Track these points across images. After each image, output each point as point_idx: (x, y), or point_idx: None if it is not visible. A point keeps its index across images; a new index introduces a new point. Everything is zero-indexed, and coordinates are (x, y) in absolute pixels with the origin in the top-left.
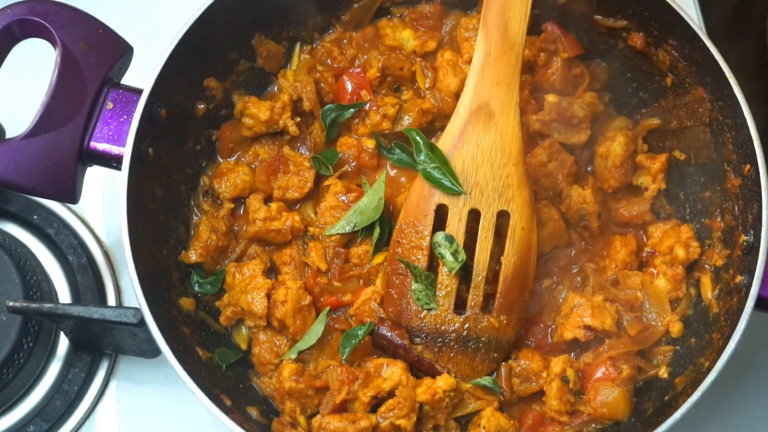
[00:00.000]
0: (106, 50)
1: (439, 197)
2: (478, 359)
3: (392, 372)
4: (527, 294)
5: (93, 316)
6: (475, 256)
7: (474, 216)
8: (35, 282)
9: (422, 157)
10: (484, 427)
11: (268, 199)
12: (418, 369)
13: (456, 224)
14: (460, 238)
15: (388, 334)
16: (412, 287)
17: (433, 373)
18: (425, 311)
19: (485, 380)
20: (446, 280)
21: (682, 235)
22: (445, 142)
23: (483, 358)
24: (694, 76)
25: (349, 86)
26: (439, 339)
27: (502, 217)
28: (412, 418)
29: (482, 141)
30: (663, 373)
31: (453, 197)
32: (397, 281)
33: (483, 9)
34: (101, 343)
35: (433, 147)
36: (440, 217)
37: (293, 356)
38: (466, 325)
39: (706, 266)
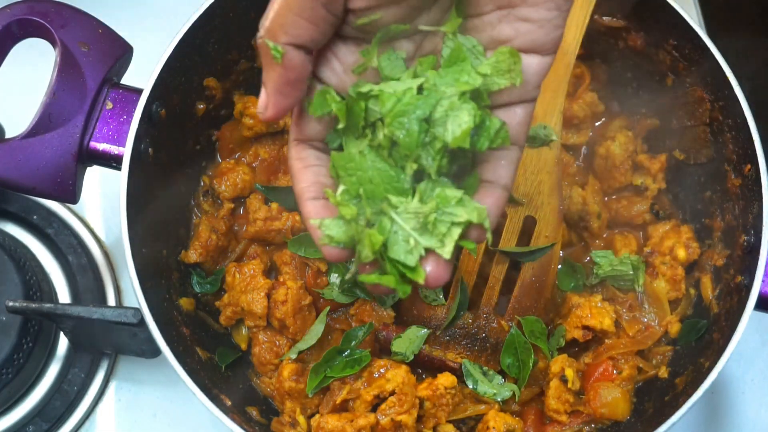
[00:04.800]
0: (105, 50)
1: None
2: (483, 360)
3: (395, 373)
4: (542, 302)
5: (93, 317)
6: (495, 257)
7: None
8: (35, 282)
9: None
10: (494, 428)
11: (268, 199)
12: (430, 367)
13: None
14: None
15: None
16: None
17: (445, 369)
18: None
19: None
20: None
21: (682, 236)
22: None
23: (488, 359)
24: (694, 76)
25: None
26: (448, 333)
27: (528, 222)
28: (413, 414)
29: None
30: (663, 373)
31: None
32: None
33: None
34: (101, 343)
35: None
36: None
37: (293, 356)
38: (477, 323)
39: (707, 266)
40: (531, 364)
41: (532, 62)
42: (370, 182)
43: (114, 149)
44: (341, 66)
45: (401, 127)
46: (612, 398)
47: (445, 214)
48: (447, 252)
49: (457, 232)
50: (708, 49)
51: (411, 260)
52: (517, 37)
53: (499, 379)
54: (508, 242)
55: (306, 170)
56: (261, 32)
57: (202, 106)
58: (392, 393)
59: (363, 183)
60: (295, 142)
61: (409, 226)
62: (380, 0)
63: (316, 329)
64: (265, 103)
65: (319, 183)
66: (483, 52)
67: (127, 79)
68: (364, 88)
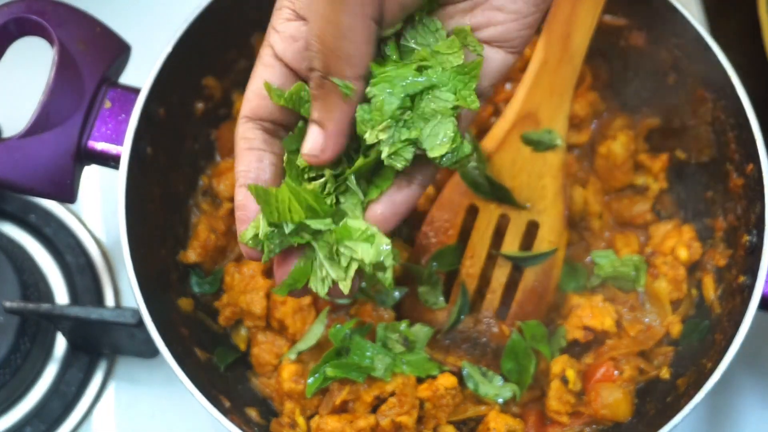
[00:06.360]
0: (104, 49)
1: (471, 198)
2: (483, 365)
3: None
4: (544, 307)
5: (91, 317)
6: (497, 261)
7: (503, 220)
8: (33, 282)
9: None
10: (494, 429)
11: None
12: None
13: (484, 226)
14: (486, 241)
15: None
16: (419, 289)
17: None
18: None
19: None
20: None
21: (683, 236)
22: (487, 143)
23: (489, 363)
24: (696, 75)
25: None
26: (448, 336)
27: (532, 227)
28: (413, 415)
29: (524, 148)
30: (664, 373)
31: (486, 200)
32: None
33: (548, 15)
34: (99, 344)
35: (475, 147)
36: (472, 216)
37: (293, 357)
38: (477, 327)
39: (708, 266)
40: (532, 370)
41: (495, 57)
42: (290, 211)
43: (112, 149)
44: None
45: (382, 92)
46: (613, 399)
47: (346, 248)
48: (345, 287)
49: (353, 269)
50: (710, 48)
51: (321, 290)
52: (488, 26)
53: (499, 380)
54: (511, 246)
55: (249, 153)
56: (317, 67)
57: (201, 105)
58: (392, 394)
59: (282, 214)
60: (245, 119)
61: (323, 254)
62: None
63: (316, 330)
64: (321, 146)
65: (259, 170)
66: (444, 37)
67: (126, 79)
68: None
